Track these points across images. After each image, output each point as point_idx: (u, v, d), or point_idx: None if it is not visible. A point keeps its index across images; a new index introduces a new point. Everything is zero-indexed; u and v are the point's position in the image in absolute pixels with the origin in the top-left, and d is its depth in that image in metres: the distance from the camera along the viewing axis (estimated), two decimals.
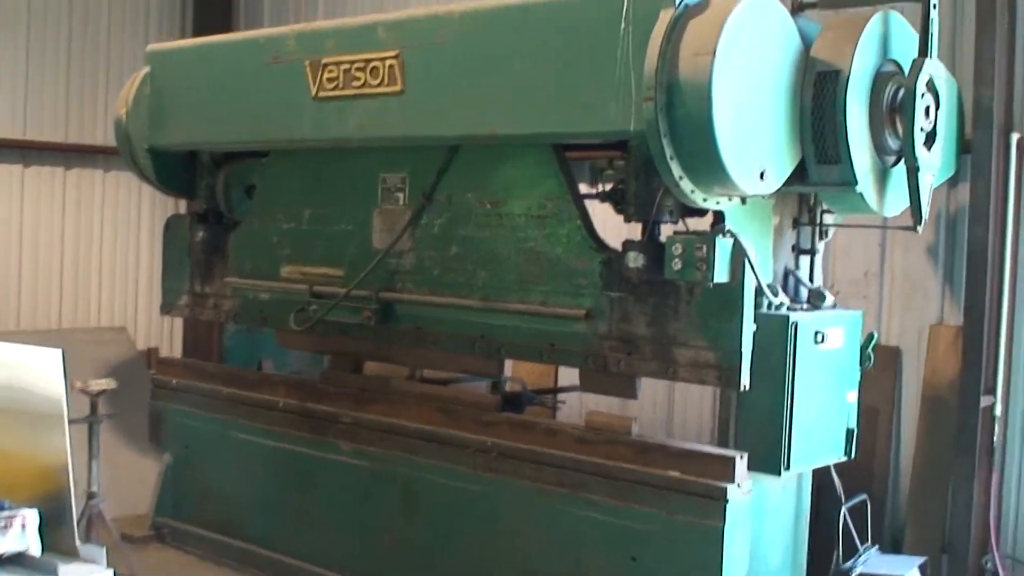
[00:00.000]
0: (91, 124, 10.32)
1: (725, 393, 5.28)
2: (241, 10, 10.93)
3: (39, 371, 3.62)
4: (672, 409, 7.34)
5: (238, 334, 7.90)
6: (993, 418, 6.00)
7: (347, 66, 5.67)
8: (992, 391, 5.99)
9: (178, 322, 10.77)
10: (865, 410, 5.73)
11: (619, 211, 5.12)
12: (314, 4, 10.18)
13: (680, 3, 4.47)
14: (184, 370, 7.37)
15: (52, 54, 10.08)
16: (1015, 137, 5.77)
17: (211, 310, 7.02)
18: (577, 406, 6.83)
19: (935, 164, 4.98)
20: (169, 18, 11.14)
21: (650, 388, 6.64)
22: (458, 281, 5.55)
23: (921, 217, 4.89)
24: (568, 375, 6.49)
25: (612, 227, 5.45)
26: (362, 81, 5.61)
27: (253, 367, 7.25)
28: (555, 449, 5.18)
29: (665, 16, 4.45)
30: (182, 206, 9.41)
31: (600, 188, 5.52)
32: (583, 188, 5.52)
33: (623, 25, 4.60)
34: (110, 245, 10.78)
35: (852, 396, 5.37)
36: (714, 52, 4.29)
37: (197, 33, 10.54)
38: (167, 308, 7.42)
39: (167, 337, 11.28)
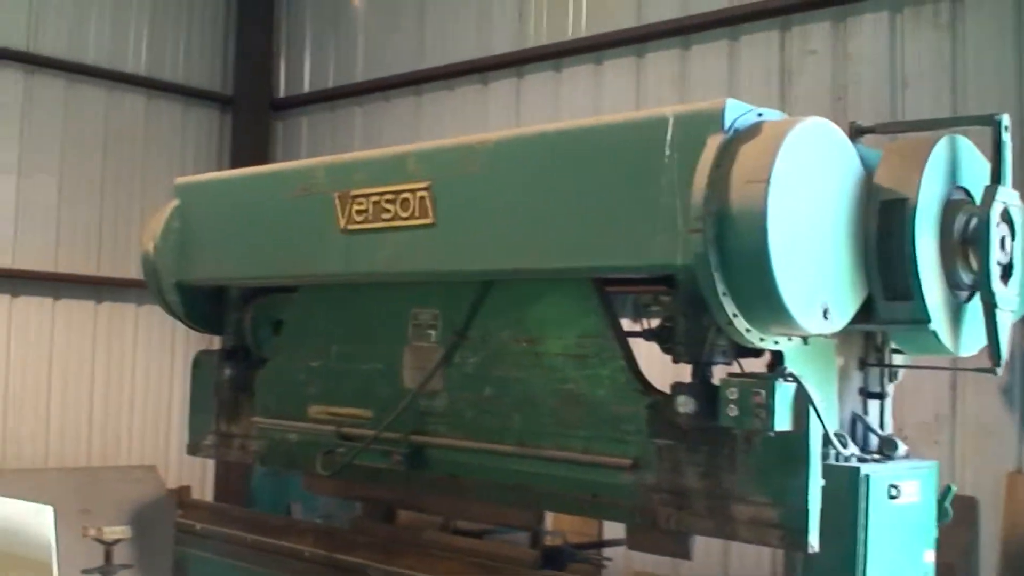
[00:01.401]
0: (124, 257, 10.25)
1: (789, 554, 4.79)
2: (279, 141, 10.95)
3: (30, 527, 3.35)
4: (728, 564, 6.84)
5: (266, 477, 7.61)
6: None
7: (377, 198, 5.44)
8: None
9: (211, 460, 10.52)
10: (939, 566, 5.24)
11: (666, 350, 4.75)
12: (350, 134, 10.14)
13: (730, 128, 4.16)
14: (210, 514, 7.08)
15: (86, 184, 10.09)
16: None
17: (238, 451, 6.75)
18: (623, 561, 6.36)
19: (1013, 300, 4.60)
20: (207, 150, 11.19)
21: (703, 540, 6.20)
22: (493, 425, 5.18)
23: (1000, 358, 4.49)
24: (613, 526, 6.05)
25: (656, 366, 5.09)
26: (392, 214, 5.37)
27: (281, 511, 6.99)
28: None
29: (713, 142, 4.14)
30: (215, 342, 9.22)
31: (644, 325, 5.17)
32: (626, 324, 5.17)
33: (667, 151, 4.30)
34: (142, 380, 10.62)
35: (930, 556, 4.87)
36: (768, 179, 3.96)
37: (234, 165, 10.54)
38: (193, 448, 7.17)
39: (198, 476, 11.01)
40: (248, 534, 6.53)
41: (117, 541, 5.86)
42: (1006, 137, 4.43)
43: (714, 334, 4.35)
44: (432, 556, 5.54)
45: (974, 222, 4.47)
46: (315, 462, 5.83)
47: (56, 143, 9.97)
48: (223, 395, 6.78)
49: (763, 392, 4.15)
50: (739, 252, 4.04)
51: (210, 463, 10.73)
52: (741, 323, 4.17)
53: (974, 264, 4.49)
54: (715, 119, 4.19)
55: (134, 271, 10.03)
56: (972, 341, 4.71)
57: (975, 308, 4.58)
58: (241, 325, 6.75)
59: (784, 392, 4.17)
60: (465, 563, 5.39)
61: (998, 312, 4.43)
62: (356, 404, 5.84)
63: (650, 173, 4.34)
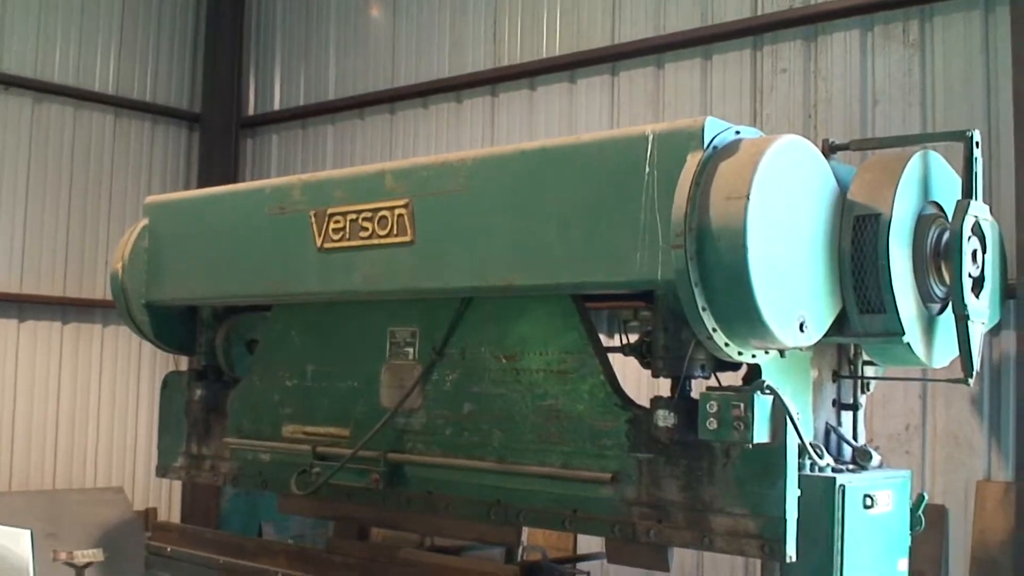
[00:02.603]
0: (90, 277, 10.14)
1: (767, 564, 4.82)
2: (248, 159, 10.89)
3: (7, 551, 3.30)
4: (702, 574, 6.88)
5: (237, 498, 7.55)
6: None
7: (354, 216, 5.43)
8: None
9: (177, 482, 10.43)
10: (911, 574, 5.29)
11: (645, 365, 4.79)
12: (322, 152, 10.11)
13: (709, 145, 4.22)
14: (180, 536, 6.95)
15: (52, 204, 9.98)
16: None
17: (208, 472, 6.66)
18: (599, 574, 6.37)
19: (984, 312, 4.67)
20: (174, 168, 11.11)
21: (677, 551, 6.22)
22: (472, 442, 5.18)
23: (972, 369, 4.56)
24: (588, 540, 6.06)
25: (634, 381, 5.11)
26: (370, 231, 5.36)
27: (253, 532, 6.90)
28: None
29: (693, 159, 4.19)
30: (183, 363, 9.16)
31: (624, 340, 5.19)
32: (605, 340, 5.19)
33: (647, 169, 4.34)
34: (108, 402, 10.50)
35: (903, 564, 4.93)
36: (748, 195, 4.02)
37: (202, 183, 10.48)
38: (162, 471, 7.07)
39: (165, 497, 10.88)
40: (220, 556, 6.44)
41: (89, 565, 5.78)
42: (977, 152, 4.51)
43: (693, 348, 4.39)
44: (409, 574, 5.50)
45: (946, 236, 4.54)
46: (290, 482, 5.78)
47: (22, 161, 9.86)
48: (194, 416, 6.70)
49: (742, 405, 4.20)
50: (719, 267, 4.09)
51: (176, 485, 10.62)
52: (720, 337, 4.23)
53: (946, 277, 4.57)
54: (695, 137, 4.25)
55: (100, 291, 9.93)
56: (944, 352, 4.78)
57: (947, 320, 4.65)
58: (213, 345, 6.67)
59: (763, 405, 4.22)
60: None
61: (970, 324, 4.50)
62: (332, 423, 5.80)
63: (630, 190, 4.38)
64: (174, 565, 6.72)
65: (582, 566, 6.32)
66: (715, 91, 8.45)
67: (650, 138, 4.37)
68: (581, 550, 7.29)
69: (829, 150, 4.89)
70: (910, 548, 5.03)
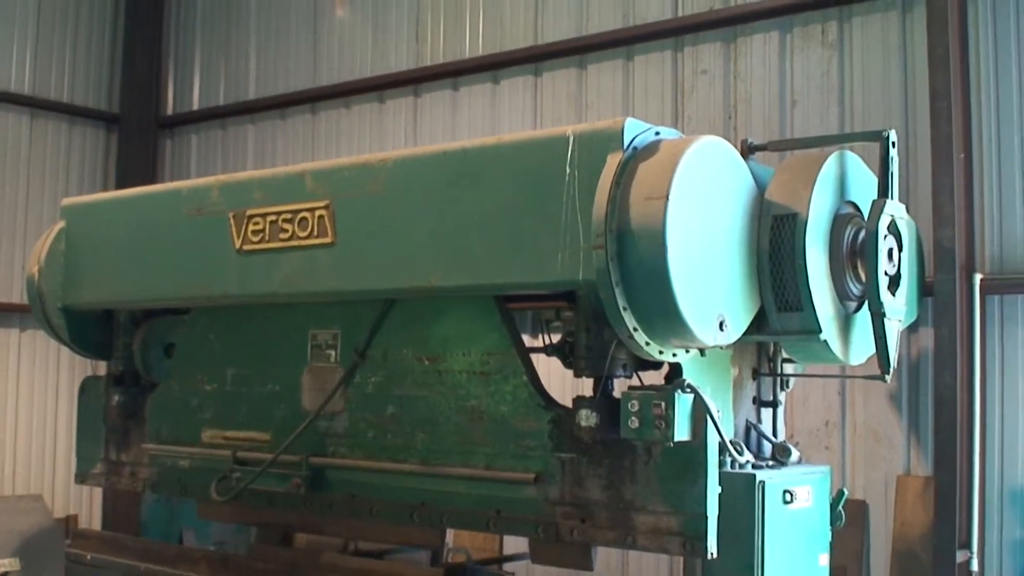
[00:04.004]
0: (7, 281, 9.91)
1: (689, 561, 4.85)
2: (167, 160, 10.71)
3: None
4: (627, 572, 6.90)
5: (157, 504, 7.41)
6: (970, 574, 5.65)
7: (274, 217, 5.35)
8: (967, 545, 5.65)
9: (98, 488, 10.21)
10: (832, 568, 5.35)
11: (568, 365, 4.78)
12: (242, 152, 9.97)
13: (629, 146, 4.23)
14: (100, 544, 6.82)
15: None
16: (978, 278, 5.59)
17: (128, 479, 6.53)
18: (524, 575, 6.36)
19: (900, 309, 4.74)
20: (92, 169, 10.89)
21: (602, 550, 6.24)
22: (395, 444, 5.14)
23: (889, 365, 4.64)
24: (515, 541, 6.05)
25: (559, 382, 5.11)
26: (290, 233, 5.29)
27: (174, 539, 6.78)
28: None
29: (613, 160, 4.20)
30: (102, 367, 8.97)
31: (546, 340, 5.18)
32: (528, 341, 5.18)
33: (568, 170, 4.34)
34: (26, 408, 10.26)
35: (824, 559, 4.99)
36: (667, 196, 4.03)
37: (121, 184, 10.29)
38: (81, 477, 6.91)
39: (86, 504, 10.66)
40: (141, 563, 6.33)
41: (5, 574, 5.61)
42: (893, 152, 4.58)
43: (615, 348, 4.40)
44: None
45: (862, 235, 4.61)
46: (210, 488, 5.69)
47: None
48: (112, 422, 6.57)
49: (663, 404, 4.22)
50: (639, 267, 4.10)
51: (97, 491, 10.41)
52: (641, 336, 4.24)
53: (862, 275, 4.63)
54: (615, 138, 4.25)
55: (17, 295, 9.70)
56: (861, 350, 4.85)
57: (864, 318, 4.72)
58: (130, 349, 6.55)
59: (683, 403, 4.25)
60: None
61: (886, 321, 4.57)
62: (252, 428, 5.72)
63: (552, 191, 4.38)
64: (94, 573, 6.61)
65: (507, 567, 6.32)
66: (637, 92, 8.50)
67: (571, 139, 4.37)
68: (508, 551, 7.28)
69: (747, 151, 4.94)
70: (831, 543, 5.09)
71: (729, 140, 4.50)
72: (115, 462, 6.59)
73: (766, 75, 7.76)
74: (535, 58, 9.07)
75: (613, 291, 4.14)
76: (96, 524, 10.46)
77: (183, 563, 6.17)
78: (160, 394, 6.31)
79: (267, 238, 5.40)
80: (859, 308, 4.78)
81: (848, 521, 6.06)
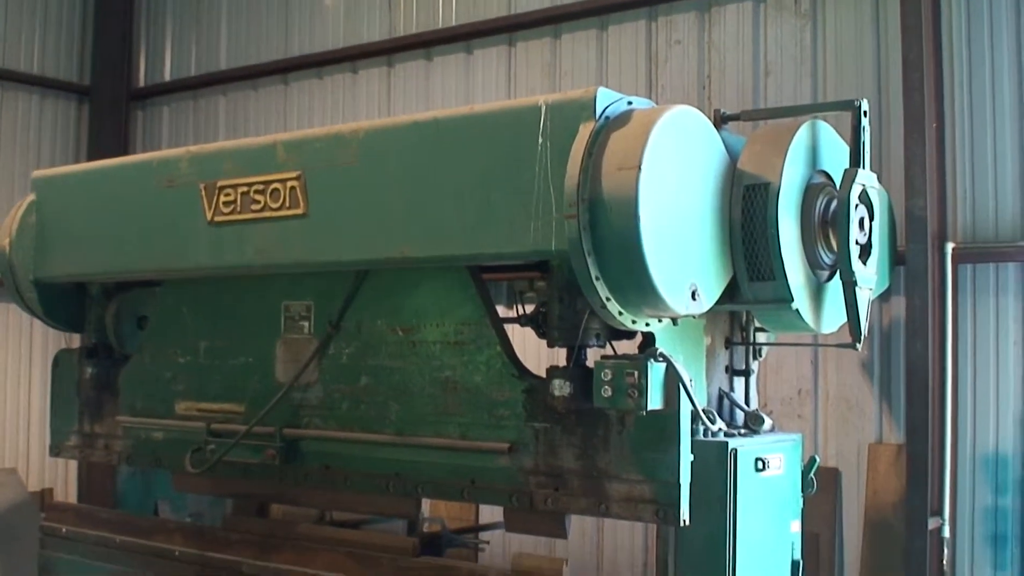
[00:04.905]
0: None
1: (662, 528, 4.89)
2: (139, 132, 10.62)
3: None
4: (602, 542, 6.94)
5: (132, 476, 7.38)
6: (942, 541, 5.72)
7: (245, 189, 5.31)
8: (939, 512, 5.72)
9: (73, 461, 10.19)
10: (804, 535, 5.42)
11: (541, 335, 4.78)
12: (214, 123, 9.89)
13: (601, 115, 4.22)
14: (75, 516, 6.80)
15: None
16: (950, 247, 5.62)
17: (102, 451, 6.52)
18: (501, 545, 6.40)
19: (871, 278, 4.77)
20: (63, 142, 10.80)
21: (578, 519, 6.29)
22: (369, 415, 5.14)
23: (860, 334, 4.67)
24: (490, 510, 6.08)
25: (533, 352, 5.12)
26: (262, 204, 5.26)
27: (149, 511, 6.77)
28: None
29: (585, 130, 4.19)
30: (75, 340, 8.93)
31: (520, 311, 5.19)
32: (501, 311, 5.19)
33: (540, 140, 4.33)
34: None
35: (796, 526, 5.05)
36: (639, 166, 4.03)
37: (92, 156, 10.20)
38: (55, 450, 6.89)
39: (61, 477, 10.64)
40: (116, 535, 6.32)
41: None
42: (865, 122, 4.59)
43: (588, 318, 4.41)
44: (309, 550, 5.44)
45: (834, 204, 4.63)
46: (184, 460, 5.68)
47: None
48: (86, 394, 6.55)
49: (636, 373, 4.23)
50: (611, 237, 4.10)
51: (72, 464, 10.39)
52: (614, 306, 4.24)
53: (834, 245, 4.66)
54: (587, 107, 4.24)
55: None
56: (833, 318, 4.88)
57: (835, 287, 4.75)
58: (103, 322, 6.53)
59: (656, 372, 4.26)
60: (343, 554, 5.32)
61: (858, 290, 4.60)
62: (226, 400, 5.71)
63: (524, 161, 4.36)
64: (69, 545, 6.59)
65: (483, 536, 6.35)
66: (611, 62, 8.48)
67: (543, 109, 4.35)
68: (484, 520, 7.32)
69: (720, 120, 4.93)
70: (803, 510, 5.15)
71: (703, 110, 4.50)
72: (89, 435, 6.57)
73: (740, 45, 7.75)
74: (509, 28, 9.02)
75: (585, 261, 4.14)
76: (71, 497, 10.45)
77: (159, 535, 6.15)
78: (133, 366, 6.28)
79: (239, 209, 5.36)
80: (831, 277, 4.80)
81: (820, 489, 6.14)
